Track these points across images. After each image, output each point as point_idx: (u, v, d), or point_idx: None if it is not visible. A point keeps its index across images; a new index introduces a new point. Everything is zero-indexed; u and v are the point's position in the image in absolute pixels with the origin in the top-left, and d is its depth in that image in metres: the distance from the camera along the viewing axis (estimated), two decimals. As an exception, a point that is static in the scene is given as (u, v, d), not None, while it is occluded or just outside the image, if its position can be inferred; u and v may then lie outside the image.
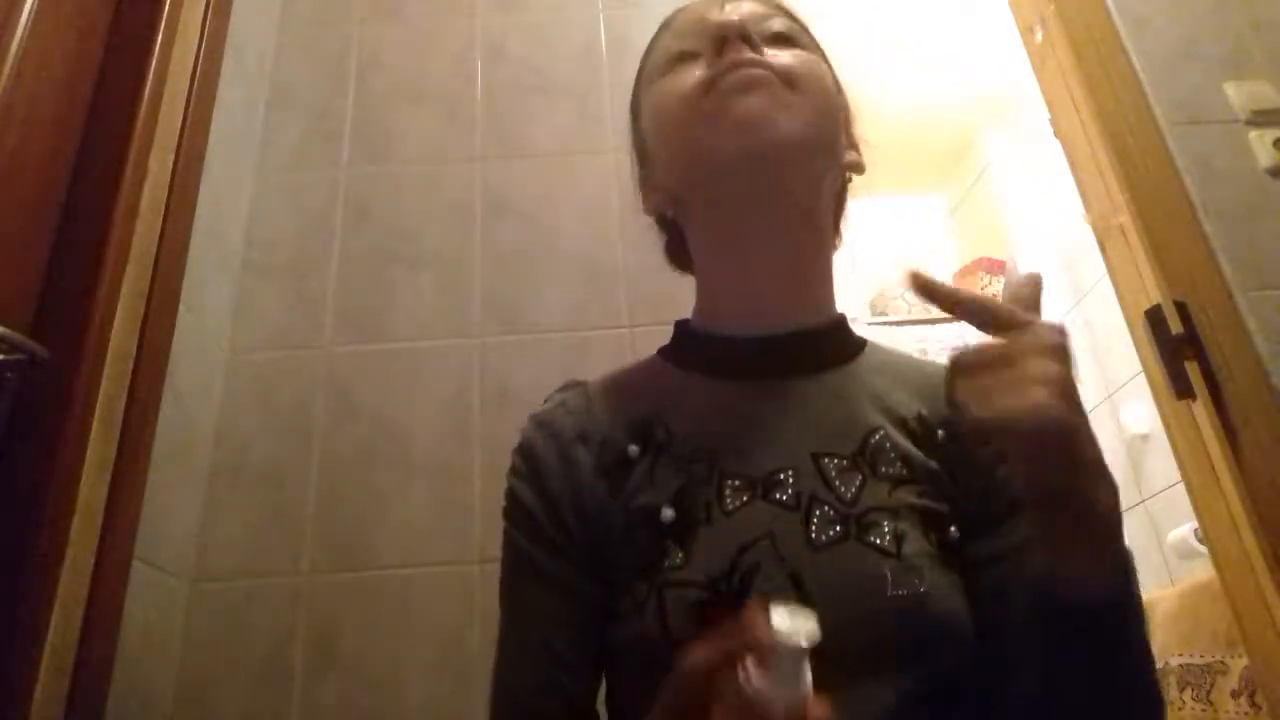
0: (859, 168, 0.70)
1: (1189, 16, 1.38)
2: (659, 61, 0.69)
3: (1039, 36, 1.45)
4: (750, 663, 0.39)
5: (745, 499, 0.57)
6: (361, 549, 1.19)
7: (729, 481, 0.58)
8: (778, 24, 0.66)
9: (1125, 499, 2.54)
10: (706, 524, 0.56)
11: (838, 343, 0.67)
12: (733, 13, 0.65)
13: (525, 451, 0.65)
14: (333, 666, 1.12)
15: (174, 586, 1.11)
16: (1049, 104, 1.45)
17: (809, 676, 0.40)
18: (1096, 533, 0.47)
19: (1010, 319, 0.47)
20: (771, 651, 0.39)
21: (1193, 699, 1.57)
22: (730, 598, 0.53)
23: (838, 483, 0.58)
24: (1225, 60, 1.34)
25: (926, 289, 0.49)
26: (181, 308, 1.14)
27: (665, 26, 0.72)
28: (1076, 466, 0.45)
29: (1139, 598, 0.50)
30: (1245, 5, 1.39)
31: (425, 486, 1.23)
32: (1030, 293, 0.50)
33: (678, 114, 0.63)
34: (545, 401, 0.69)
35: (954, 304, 0.49)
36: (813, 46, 0.68)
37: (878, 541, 0.55)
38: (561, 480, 0.61)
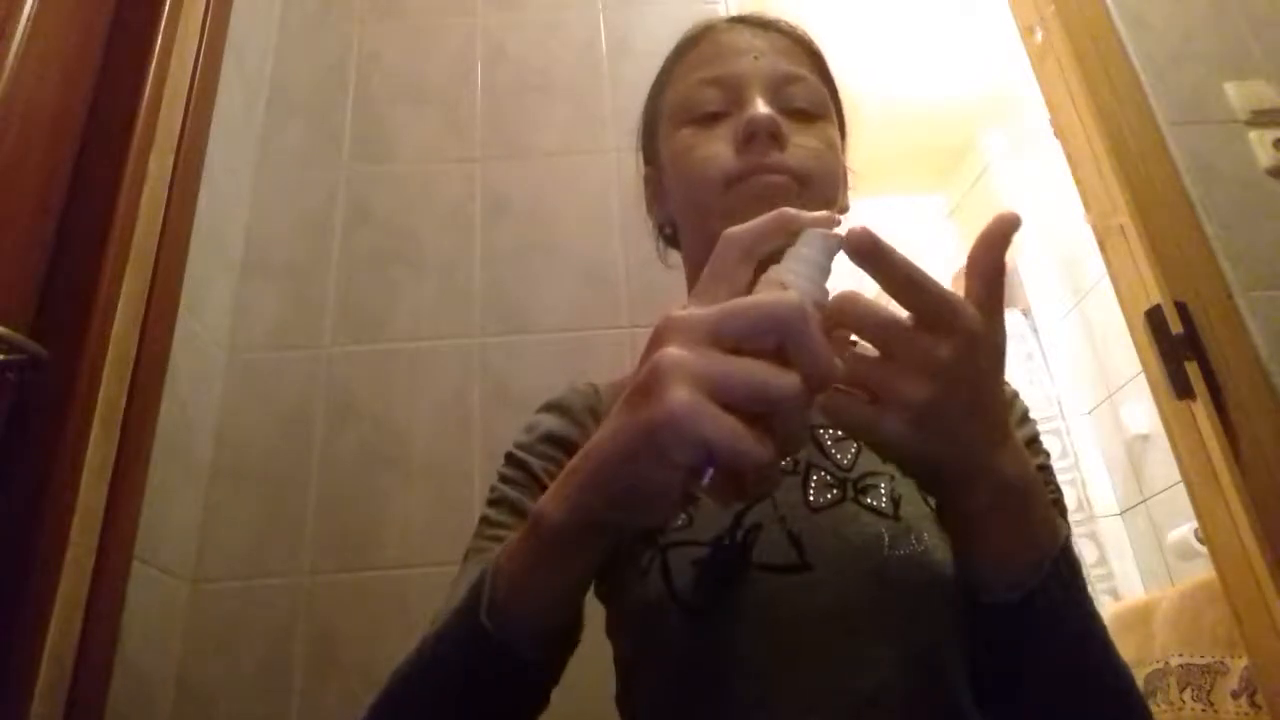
0: (845, 209, 0.74)
1: (1189, 16, 1.38)
2: (684, 100, 0.69)
3: (1039, 36, 1.45)
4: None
5: None
6: (361, 549, 1.19)
7: None
8: (799, 96, 0.67)
9: (1125, 499, 2.53)
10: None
11: None
12: (760, 92, 0.65)
13: (534, 427, 0.67)
14: (333, 666, 1.12)
15: (174, 586, 1.11)
16: (1049, 104, 1.45)
17: (827, 286, 0.40)
18: (1001, 513, 0.42)
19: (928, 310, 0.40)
20: (802, 237, 0.40)
21: (1193, 699, 1.57)
22: (733, 554, 0.55)
23: (834, 450, 0.60)
24: (1225, 60, 1.34)
25: (872, 254, 0.40)
26: (181, 308, 1.14)
27: (691, 46, 0.72)
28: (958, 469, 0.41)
29: (1076, 600, 0.44)
30: (1245, 5, 1.39)
31: (425, 486, 1.23)
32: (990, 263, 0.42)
33: (699, 191, 0.66)
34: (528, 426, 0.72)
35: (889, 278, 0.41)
36: (828, 113, 0.69)
37: (875, 504, 0.57)
38: (581, 440, 0.63)
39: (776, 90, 0.66)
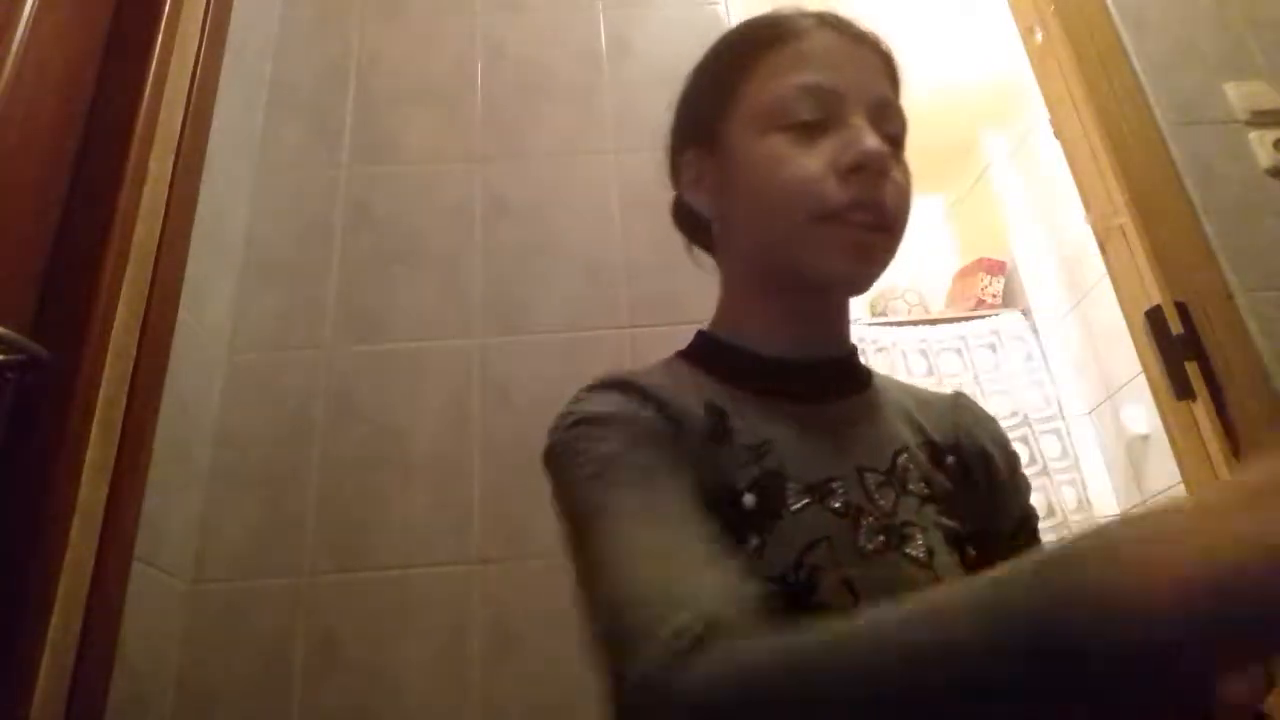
0: None
1: (1189, 16, 1.38)
2: (776, 101, 0.65)
3: (1039, 36, 1.45)
4: None
5: (805, 501, 0.59)
6: (361, 549, 1.19)
7: (790, 483, 0.59)
8: (893, 123, 0.65)
9: (1125, 499, 2.52)
10: (780, 518, 0.58)
11: (858, 370, 0.71)
12: (863, 115, 0.63)
13: (615, 384, 0.61)
14: (333, 667, 1.12)
15: (174, 586, 1.11)
16: (1049, 104, 1.45)
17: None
18: None
19: None
20: None
21: (1193, 699, 1.57)
22: (799, 592, 0.55)
23: (877, 496, 0.60)
24: (1225, 60, 1.34)
25: None
26: (181, 308, 1.14)
27: (779, 42, 0.67)
28: None
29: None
30: (1245, 5, 1.39)
31: (425, 486, 1.23)
32: None
33: (786, 210, 0.63)
34: (577, 400, 0.64)
35: None
36: (904, 136, 0.67)
37: (914, 554, 0.58)
38: (678, 413, 0.59)
39: (876, 115, 0.63)
